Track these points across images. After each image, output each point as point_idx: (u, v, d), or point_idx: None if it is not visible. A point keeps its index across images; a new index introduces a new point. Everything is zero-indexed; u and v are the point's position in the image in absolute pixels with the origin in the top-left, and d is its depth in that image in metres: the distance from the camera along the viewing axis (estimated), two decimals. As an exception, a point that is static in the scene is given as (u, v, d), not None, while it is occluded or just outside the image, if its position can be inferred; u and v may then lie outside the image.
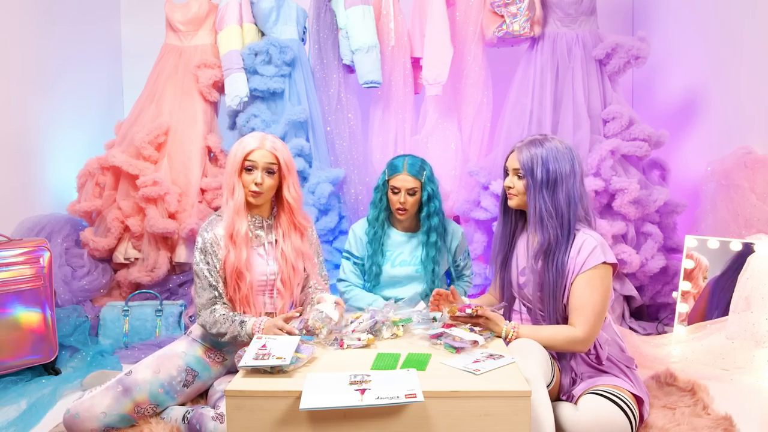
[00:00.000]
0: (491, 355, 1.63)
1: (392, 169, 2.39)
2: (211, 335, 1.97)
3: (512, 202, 1.93)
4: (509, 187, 1.92)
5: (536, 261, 1.87)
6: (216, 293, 1.97)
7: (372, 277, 2.46)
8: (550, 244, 1.83)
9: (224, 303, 1.98)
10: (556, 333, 1.80)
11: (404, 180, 2.34)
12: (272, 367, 1.56)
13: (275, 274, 2.03)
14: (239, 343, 1.91)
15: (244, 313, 1.97)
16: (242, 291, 1.97)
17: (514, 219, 2.01)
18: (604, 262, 1.79)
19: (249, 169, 1.97)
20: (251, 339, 1.76)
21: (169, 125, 3.34)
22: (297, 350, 1.63)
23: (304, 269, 2.12)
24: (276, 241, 2.06)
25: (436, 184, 2.41)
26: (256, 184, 1.96)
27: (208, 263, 1.97)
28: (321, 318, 1.83)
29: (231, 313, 1.93)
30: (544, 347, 1.76)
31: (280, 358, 1.57)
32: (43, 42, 3.46)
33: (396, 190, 2.36)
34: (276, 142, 2.02)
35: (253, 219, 2.05)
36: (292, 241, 2.06)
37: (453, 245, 2.46)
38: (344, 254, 2.53)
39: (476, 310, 1.82)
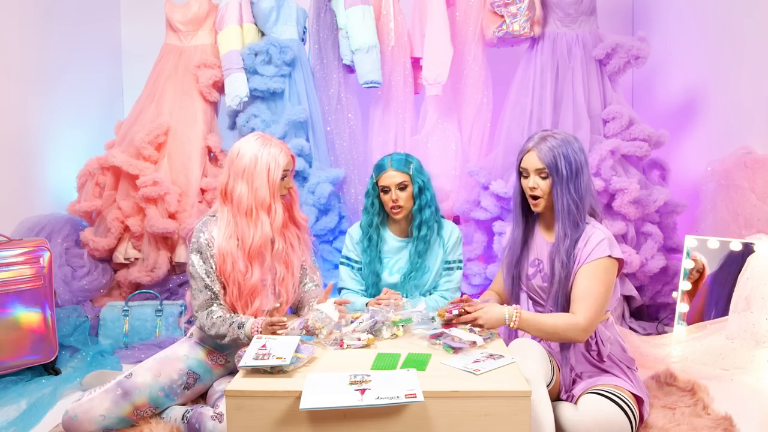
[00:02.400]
0: (491, 355, 1.63)
1: (378, 169, 2.31)
2: (210, 337, 1.95)
3: (538, 207, 1.89)
4: (533, 189, 1.86)
5: (558, 255, 1.84)
6: (211, 294, 1.94)
7: (370, 285, 2.36)
8: (577, 236, 1.82)
9: (220, 304, 1.95)
10: (557, 319, 1.78)
11: (392, 176, 2.26)
12: (272, 367, 1.56)
13: (276, 278, 2.02)
14: (240, 344, 1.90)
15: (243, 314, 1.96)
16: (249, 303, 1.96)
17: (527, 219, 1.99)
18: (610, 256, 1.79)
19: (283, 177, 2.00)
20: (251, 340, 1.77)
21: (169, 125, 3.34)
22: (297, 350, 1.63)
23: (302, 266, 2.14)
24: (281, 246, 2.05)
25: (426, 176, 2.32)
26: (287, 188, 2.03)
27: (204, 264, 1.94)
28: (321, 318, 1.83)
29: (228, 315, 1.91)
30: (546, 334, 1.75)
31: (280, 358, 1.57)
32: (43, 42, 3.46)
33: (386, 189, 2.27)
34: (284, 143, 2.05)
35: None
36: (291, 240, 2.07)
37: (450, 241, 2.34)
38: (342, 260, 2.43)
39: (463, 308, 1.80)
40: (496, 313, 1.78)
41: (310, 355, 1.66)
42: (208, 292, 1.94)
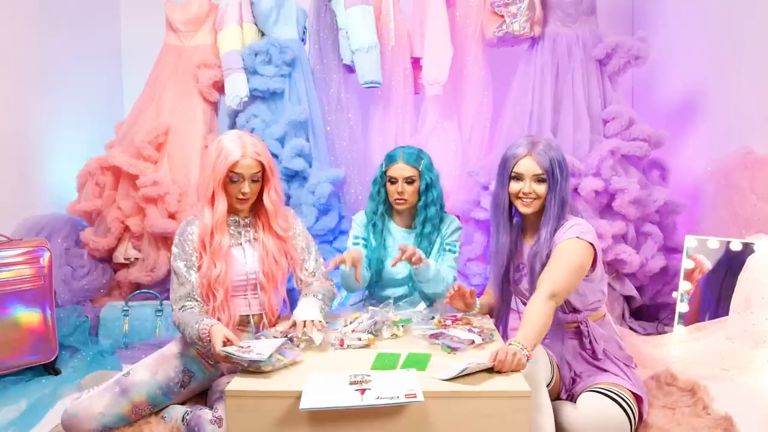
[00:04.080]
0: (488, 369, 1.55)
1: (389, 159, 2.35)
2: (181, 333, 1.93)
3: (529, 209, 1.88)
4: (527, 194, 1.86)
5: (539, 255, 1.84)
6: (188, 290, 1.93)
7: (374, 272, 2.38)
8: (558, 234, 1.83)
9: (196, 300, 1.93)
10: (537, 310, 1.66)
11: (401, 169, 2.29)
12: (249, 363, 1.56)
13: (255, 272, 2.00)
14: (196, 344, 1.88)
15: (218, 319, 1.91)
16: (217, 300, 1.93)
17: (513, 225, 1.99)
18: (578, 238, 1.78)
19: (235, 181, 1.94)
20: (201, 342, 1.78)
21: (169, 125, 3.34)
22: (281, 353, 1.64)
23: (295, 270, 2.11)
24: (255, 239, 2.04)
25: (435, 174, 2.36)
26: (243, 193, 1.94)
27: (185, 261, 1.95)
28: (304, 339, 1.82)
29: (196, 315, 1.87)
30: (545, 329, 1.69)
31: (260, 354, 1.58)
32: (43, 42, 3.46)
33: (393, 180, 2.31)
34: (257, 145, 1.96)
35: (231, 218, 2.03)
36: (272, 236, 2.04)
37: (448, 231, 2.36)
38: (354, 241, 2.42)
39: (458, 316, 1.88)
40: (510, 348, 1.57)
41: (293, 359, 1.66)
42: (185, 288, 1.93)
